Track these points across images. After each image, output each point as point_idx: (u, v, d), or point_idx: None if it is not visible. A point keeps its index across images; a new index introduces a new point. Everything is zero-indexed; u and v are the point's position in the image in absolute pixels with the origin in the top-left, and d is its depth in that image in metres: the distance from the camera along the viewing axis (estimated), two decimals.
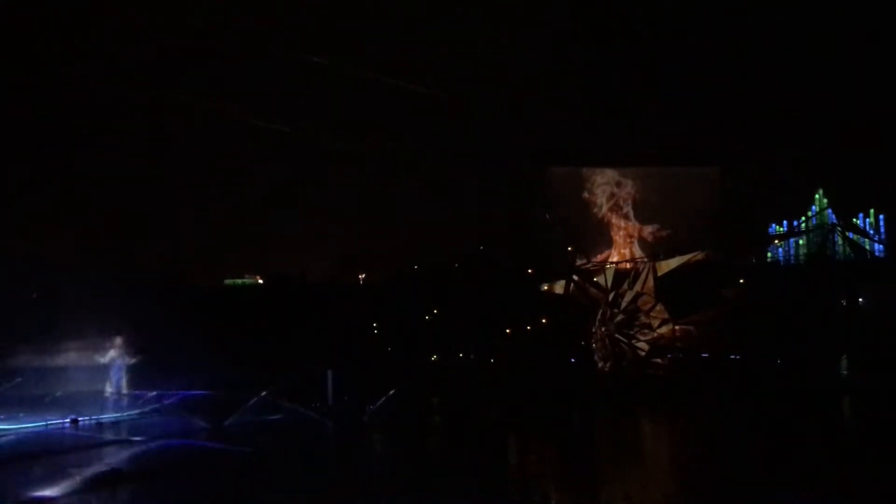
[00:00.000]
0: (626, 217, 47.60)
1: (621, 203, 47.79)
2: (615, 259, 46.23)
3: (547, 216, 46.59)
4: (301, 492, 16.54)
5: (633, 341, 40.84)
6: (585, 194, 47.74)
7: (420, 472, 18.41)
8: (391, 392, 30.44)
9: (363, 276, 47.91)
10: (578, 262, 44.06)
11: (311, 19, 44.50)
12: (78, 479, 16.80)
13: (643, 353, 40.43)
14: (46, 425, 25.00)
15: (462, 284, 41.91)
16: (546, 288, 43.79)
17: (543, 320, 40.90)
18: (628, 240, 47.46)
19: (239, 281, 49.25)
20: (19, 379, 26.42)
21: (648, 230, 47.53)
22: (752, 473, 18.25)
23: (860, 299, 41.48)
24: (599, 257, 46.30)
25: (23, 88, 37.75)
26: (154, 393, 29.28)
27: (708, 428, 26.11)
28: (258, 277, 49.05)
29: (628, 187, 47.90)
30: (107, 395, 27.20)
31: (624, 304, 41.83)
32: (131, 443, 22.46)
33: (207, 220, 46.69)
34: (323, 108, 45.38)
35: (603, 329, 41.18)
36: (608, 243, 47.35)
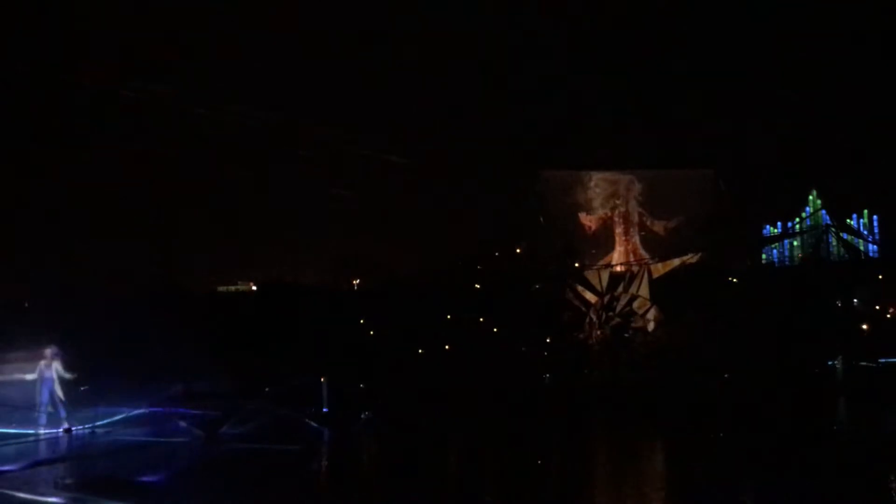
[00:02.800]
0: (620, 220, 47.53)
1: (615, 206, 47.72)
2: (610, 262, 46.18)
3: (541, 220, 46.51)
4: (295, 497, 16.43)
5: (629, 344, 40.74)
6: (579, 197, 47.67)
7: (412, 479, 18.25)
8: (386, 399, 30.29)
9: (357, 281, 47.80)
10: (573, 266, 44.01)
11: (309, 19, 44.46)
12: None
13: (639, 357, 40.31)
14: (37, 434, 24.73)
15: (457, 290, 41.81)
16: (540, 292, 43.71)
17: (538, 325, 40.79)
18: (623, 242, 47.40)
19: (232, 288, 49.13)
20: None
21: (642, 232, 47.48)
22: (749, 478, 18.17)
23: (855, 300, 41.52)
24: (595, 260, 46.22)
25: (7, 86, 37.55)
26: (148, 401, 29.08)
27: (705, 433, 26.00)
28: (251, 284, 48.94)
29: (622, 190, 47.85)
30: (99, 403, 26.85)
31: (619, 308, 41.78)
32: (130, 450, 22.27)
33: (200, 227, 46.51)
34: (317, 110, 45.34)
35: (598, 332, 41.12)
36: (603, 246, 47.27)
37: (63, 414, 25.25)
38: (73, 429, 25.14)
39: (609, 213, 47.18)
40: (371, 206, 48.75)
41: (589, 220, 47.06)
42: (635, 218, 46.94)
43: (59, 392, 25.48)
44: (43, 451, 22.63)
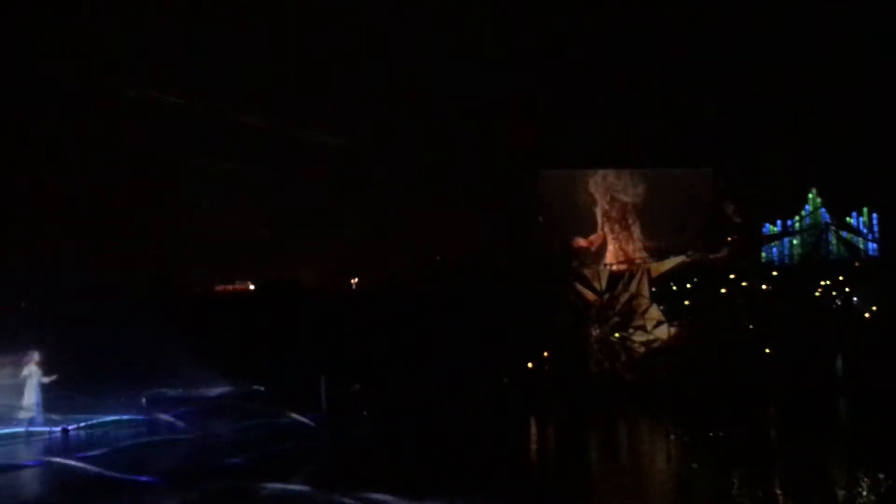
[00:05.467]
0: (620, 219, 47.35)
1: (615, 205, 47.54)
2: (610, 261, 45.99)
3: (540, 219, 46.33)
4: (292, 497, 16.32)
5: (628, 343, 40.62)
6: (579, 197, 47.47)
7: (411, 480, 18.12)
8: (385, 399, 30.20)
9: (356, 280, 47.66)
10: (573, 265, 43.83)
11: (305, 17, 44.28)
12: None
13: (638, 356, 40.21)
14: (28, 433, 24.59)
15: (456, 290, 41.66)
16: (539, 291, 43.54)
17: (538, 324, 40.63)
18: (623, 241, 47.20)
19: (230, 287, 48.96)
20: None
21: (642, 231, 47.30)
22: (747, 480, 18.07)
23: (854, 299, 41.41)
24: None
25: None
26: (145, 402, 29.03)
27: (704, 432, 25.95)
28: (249, 284, 48.77)
29: (622, 189, 47.63)
30: (93, 402, 26.75)
31: (618, 307, 41.64)
32: (131, 449, 22.23)
33: (198, 226, 46.35)
34: (316, 109, 45.16)
35: (598, 332, 40.97)
36: (604, 252, 47.10)
37: (40, 415, 25.18)
38: (69, 428, 25.02)
39: (606, 213, 47.01)
40: (370, 206, 48.57)
41: (586, 218, 46.86)
42: (626, 221, 46.81)
43: (38, 395, 25.46)
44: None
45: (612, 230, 47.00)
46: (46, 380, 25.72)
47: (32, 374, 25.57)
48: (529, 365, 38.58)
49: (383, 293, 43.21)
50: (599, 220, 46.82)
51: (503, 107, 47.63)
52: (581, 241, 46.35)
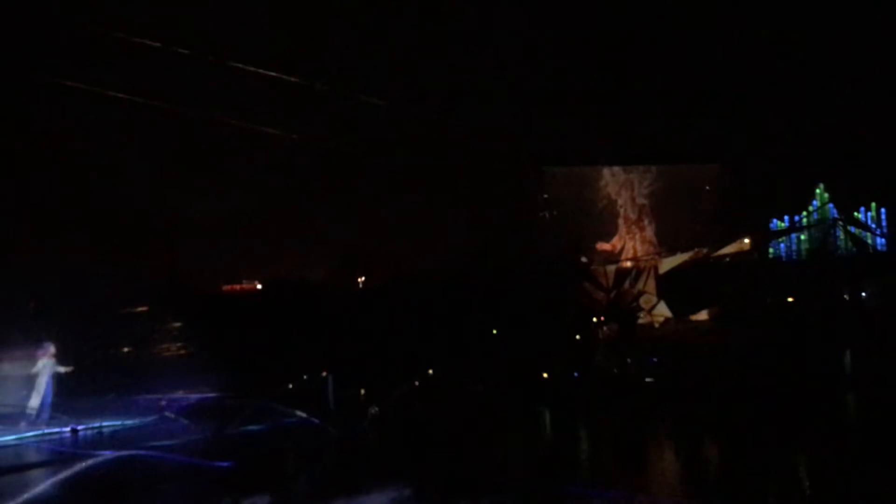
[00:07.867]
0: (626, 216, 47.35)
1: (621, 202, 47.56)
2: (617, 258, 46.04)
3: (546, 216, 46.36)
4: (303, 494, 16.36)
5: (636, 340, 40.58)
6: (585, 194, 47.49)
7: (418, 479, 18.11)
8: (393, 397, 30.19)
9: (363, 279, 47.71)
10: (580, 262, 43.87)
11: (305, 18, 44.29)
12: None
13: (645, 353, 40.15)
14: (42, 435, 24.59)
15: (463, 287, 41.70)
16: (547, 288, 43.55)
17: (545, 321, 40.64)
18: (629, 238, 47.20)
19: (238, 287, 49.08)
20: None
21: (649, 228, 47.29)
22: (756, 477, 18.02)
23: (863, 293, 41.32)
24: (602, 251, 46.03)
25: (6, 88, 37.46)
26: (152, 400, 29.07)
27: (711, 428, 25.90)
28: (256, 283, 48.89)
29: (628, 186, 47.68)
30: (102, 403, 26.78)
31: (626, 304, 41.66)
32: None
33: (204, 226, 46.42)
34: (318, 108, 45.17)
35: (605, 329, 40.98)
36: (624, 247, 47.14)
37: (46, 413, 25.11)
38: (79, 429, 25.04)
39: (612, 210, 47.03)
40: (376, 203, 48.64)
41: (593, 215, 46.91)
42: (632, 218, 46.79)
43: (49, 393, 25.39)
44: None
45: (628, 230, 47.08)
46: (63, 370, 25.53)
47: (44, 370, 25.46)
48: (537, 363, 38.55)
49: (390, 291, 43.27)
50: (621, 221, 46.88)
51: (508, 102, 47.57)
52: (604, 246, 46.35)
